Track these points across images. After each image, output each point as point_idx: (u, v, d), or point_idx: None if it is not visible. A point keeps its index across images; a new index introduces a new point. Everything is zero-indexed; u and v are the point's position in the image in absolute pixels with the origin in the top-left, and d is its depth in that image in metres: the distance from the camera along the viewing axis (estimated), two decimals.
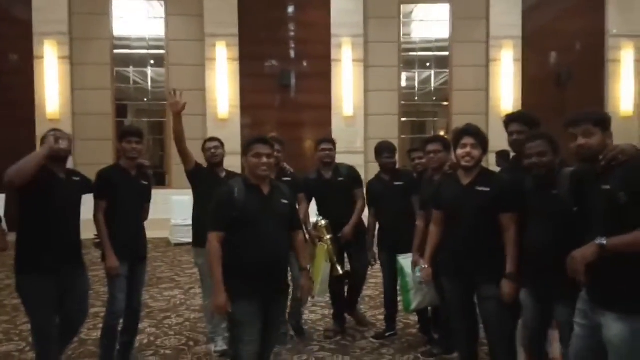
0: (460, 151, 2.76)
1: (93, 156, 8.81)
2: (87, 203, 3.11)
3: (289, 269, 2.82)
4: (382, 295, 4.05)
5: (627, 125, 9.52)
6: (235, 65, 9.78)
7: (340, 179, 4.01)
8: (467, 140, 2.74)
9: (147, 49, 10.14)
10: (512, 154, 3.25)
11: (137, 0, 10.05)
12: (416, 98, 10.63)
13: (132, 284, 3.28)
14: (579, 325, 2.20)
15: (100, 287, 5.32)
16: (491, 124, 9.46)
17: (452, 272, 2.85)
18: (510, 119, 2.96)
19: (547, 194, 2.46)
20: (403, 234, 3.61)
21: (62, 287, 2.85)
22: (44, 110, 9.36)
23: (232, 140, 9.49)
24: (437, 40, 10.49)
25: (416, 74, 10.60)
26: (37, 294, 2.78)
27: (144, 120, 10.35)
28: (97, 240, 3.20)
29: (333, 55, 9.87)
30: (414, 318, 4.26)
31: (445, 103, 10.43)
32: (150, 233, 3.49)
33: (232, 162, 8.82)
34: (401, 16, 10.28)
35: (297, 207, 3.25)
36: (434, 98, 10.64)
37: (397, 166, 4.10)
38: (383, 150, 3.90)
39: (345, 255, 4.01)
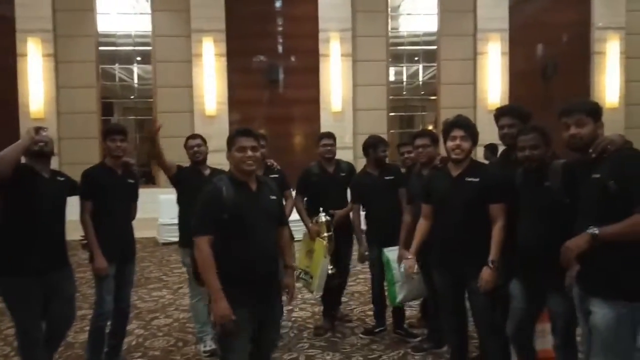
0: (450, 143, 2.76)
1: (79, 155, 8.69)
2: (73, 204, 3.05)
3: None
4: (370, 292, 4.05)
5: (613, 116, 9.59)
6: (223, 61, 9.70)
7: (342, 174, 4.04)
8: (457, 132, 2.74)
9: (133, 45, 10.03)
10: (500, 148, 3.27)
11: None
12: (404, 92, 10.64)
13: (120, 284, 3.25)
14: (579, 312, 2.26)
15: (87, 288, 5.26)
16: (479, 118, 9.50)
17: (442, 265, 2.85)
18: (501, 113, 2.98)
19: (539, 187, 2.48)
20: (394, 229, 3.62)
21: (48, 290, 2.80)
22: (27, 109, 9.22)
23: (221, 137, 9.25)
24: (424, 34, 10.50)
25: (404, 68, 10.61)
26: (21, 297, 2.73)
27: (131, 118, 10.26)
28: (84, 242, 3.15)
29: (321, 50, 9.83)
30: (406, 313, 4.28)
31: (434, 97, 10.44)
32: (138, 232, 3.45)
33: (221, 160, 8.82)
34: (389, 10, 10.26)
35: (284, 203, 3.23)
36: (422, 92, 10.65)
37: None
38: (379, 144, 3.87)
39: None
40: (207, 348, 3.55)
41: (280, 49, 10.26)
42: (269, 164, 3.90)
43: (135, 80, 10.13)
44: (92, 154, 9.11)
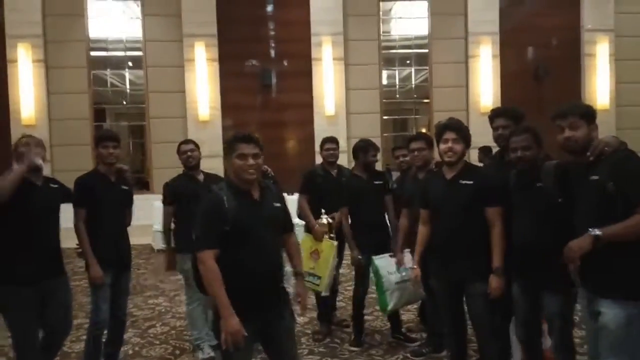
0: (442, 146, 2.76)
1: (71, 162, 8.62)
2: (68, 211, 3.03)
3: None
4: (369, 297, 4.04)
5: (604, 118, 9.67)
6: (215, 66, 9.68)
7: (344, 178, 4.04)
8: (449, 135, 2.74)
9: (125, 50, 9.99)
10: (495, 150, 3.28)
11: (113, 0, 9.87)
12: (397, 96, 10.68)
13: (117, 293, 3.22)
14: (584, 313, 2.29)
15: (83, 297, 5.21)
16: (471, 120, 9.56)
17: (440, 269, 2.85)
18: (495, 114, 3.00)
19: (531, 187, 2.50)
20: (383, 235, 3.63)
21: (43, 298, 2.79)
22: (18, 116, 9.14)
23: (214, 143, 9.41)
24: (416, 38, 10.55)
25: (397, 72, 10.65)
26: (18, 305, 2.71)
27: (124, 124, 10.20)
28: (80, 250, 3.12)
29: (313, 54, 9.85)
30: (404, 317, 4.28)
31: (426, 100, 10.49)
32: (133, 239, 3.42)
33: (214, 164, 8.80)
34: (380, 13, 10.31)
35: None
36: (415, 95, 10.70)
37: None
38: (369, 148, 3.85)
39: None
40: (205, 356, 3.52)
41: (272, 53, 10.27)
42: (263, 169, 3.89)
43: (127, 86, 10.08)
44: (85, 160, 9.02)
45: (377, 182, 3.83)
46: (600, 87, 10.20)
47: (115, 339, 3.32)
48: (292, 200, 4.08)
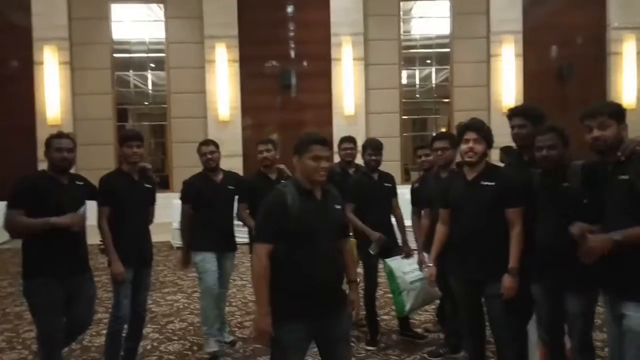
0: (463, 146, 2.74)
1: (94, 161, 8.80)
2: (91, 209, 3.10)
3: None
4: (385, 296, 4.02)
5: (630, 118, 9.12)
6: (236, 67, 9.77)
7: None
8: (470, 135, 2.71)
9: (147, 52, 10.15)
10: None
11: (136, 3, 10.05)
12: (417, 95, 10.61)
13: (137, 288, 3.27)
14: (607, 316, 2.27)
15: (104, 292, 5.30)
16: (493, 120, 9.41)
17: (458, 270, 2.82)
18: (513, 113, 2.96)
19: (558, 187, 2.46)
20: (388, 237, 3.64)
21: (69, 291, 2.87)
22: (44, 116, 9.38)
23: (234, 143, 9.50)
24: (437, 37, 10.46)
25: (417, 72, 10.57)
26: (44, 297, 2.80)
27: (145, 124, 10.37)
28: (102, 246, 3.19)
29: (333, 54, 9.85)
30: (418, 317, 4.24)
31: (447, 100, 10.39)
32: (153, 237, 3.48)
33: (234, 164, 8.89)
34: (401, 13, 10.26)
35: None
36: (435, 95, 10.61)
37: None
38: (367, 147, 3.85)
39: None
40: (210, 349, 3.56)
41: (292, 54, 10.30)
42: (280, 168, 3.90)
43: (150, 87, 10.25)
44: (108, 159, 9.24)
45: (386, 184, 3.81)
46: (626, 86, 9.94)
47: (134, 333, 3.38)
48: None
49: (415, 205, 3.76)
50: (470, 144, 2.69)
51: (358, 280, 3.92)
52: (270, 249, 2.15)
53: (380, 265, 3.84)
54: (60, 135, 2.97)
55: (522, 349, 2.77)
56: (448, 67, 10.33)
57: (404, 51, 10.31)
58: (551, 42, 10.35)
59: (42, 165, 3.06)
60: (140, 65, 10.16)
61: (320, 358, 2.36)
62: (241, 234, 4.10)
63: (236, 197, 3.83)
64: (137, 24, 10.08)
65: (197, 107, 9.79)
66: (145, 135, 9.48)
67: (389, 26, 10.15)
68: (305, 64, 10.28)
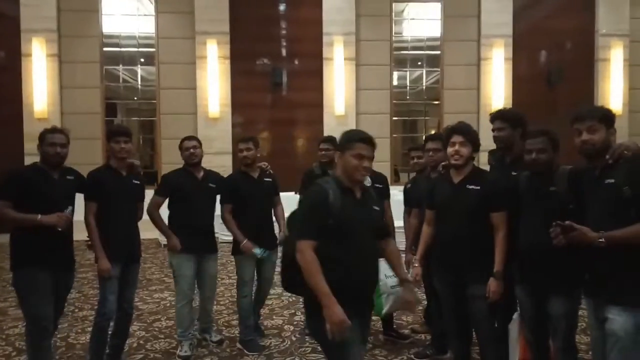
0: (449, 149, 2.77)
1: (82, 156, 8.62)
2: (79, 205, 3.09)
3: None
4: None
5: (617, 123, 9.45)
6: (226, 64, 9.72)
7: None
8: (456, 138, 2.75)
9: (137, 47, 10.05)
10: None
11: None
12: (408, 97, 10.65)
13: (124, 285, 3.26)
14: (591, 319, 2.31)
15: (89, 289, 5.26)
16: (482, 123, 9.46)
17: (443, 271, 2.85)
18: (493, 117, 3.07)
19: (545, 191, 2.49)
20: None
21: (55, 282, 2.90)
22: (31, 109, 9.24)
23: (223, 140, 9.45)
24: (428, 39, 10.51)
25: (408, 73, 10.61)
26: (33, 285, 2.81)
27: (134, 119, 10.27)
28: (89, 242, 3.17)
29: (325, 54, 9.85)
30: (406, 319, 4.27)
31: (437, 102, 10.45)
32: (140, 234, 3.45)
33: (224, 162, 8.85)
34: (393, 14, 10.28)
35: None
36: (425, 97, 10.66)
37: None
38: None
39: None
40: (183, 353, 3.53)
41: (284, 52, 10.28)
42: (263, 167, 3.89)
43: (139, 82, 10.15)
44: (95, 154, 9.14)
45: (377, 185, 3.82)
46: (613, 92, 10.08)
47: (121, 331, 3.35)
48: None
49: (407, 205, 3.78)
50: (457, 147, 2.73)
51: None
52: (315, 246, 2.10)
53: None
54: (54, 130, 2.99)
55: (504, 349, 2.80)
56: (438, 69, 10.39)
57: (395, 52, 10.34)
58: (541, 46, 10.47)
59: (29, 158, 3.05)
60: (130, 60, 10.06)
61: (324, 357, 2.35)
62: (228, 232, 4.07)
63: (218, 199, 3.76)
64: (127, 18, 9.96)
65: (187, 104, 9.72)
66: (134, 131, 9.43)
67: (380, 27, 10.18)
68: (296, 62, 10.26)
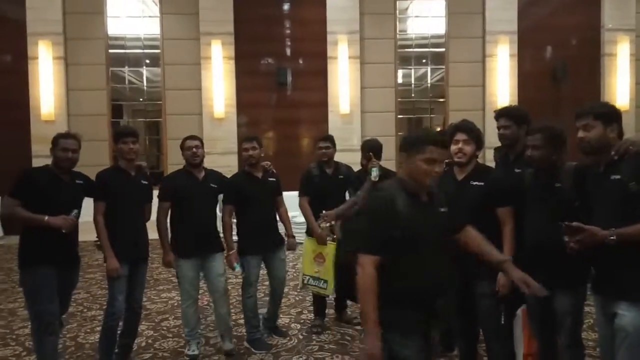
0: (453, 147, 2.77)
1: (89, 157, 8.57)
2: (88, 206, 3.14)
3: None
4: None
5: (623, 119, 9.45)
6: (231, 64, 9.74)
7: (341, 176, 4.07)
8: (460, 136, 2.75)
9: (143, 48, 10.09)
10: None
11: None
12: (413, 95, 10.62)
13: (133, 285, 3.29)
14: (598, 315, 2.30)
15: (98, 289, 5.30)
16: (488, 120, 9.45)
17: None
18: (498, 114, 3.10)
19: (549, 187, 2.49)
20: None
21: (60, 279, 2.96)
22: (38, 111, 9.30)
23: (229, 140, 9.48)
24: (433, 37, 10.47)
25: (412, 71, 10.58)
26: (39, 282, 2.87)
27: (140, 120, 10.32)
28: (99, 243, 3.21)
29: (329, 53, 9.84)
30: None
31: (442, 99, 10.42)
32: (148, 234, 3.48)
33: (229, 162, 8.88)
34: (397, 12, 10.25)
35: None
36: (431, 94, 10.62)
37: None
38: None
39: None
40: (191, 352, 3.55)
41: (288, 51, 10.28)
42: (266, 166, 3.90)
43: (145, 83, 10.19)
44: (102, 156, 9.19)
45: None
46: (620, 87, 10.00)
47: (130, 330, 3.39)
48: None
49: None
50: (460, 145, 2.73)
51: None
52: (377, 261, 1.95)
53: None
54: (67, 135, 3.08)
55: (510, 345, 2.80)
56: (443, 66, 10.36)
57: (399, 50, 10.32)
58: (546, 42, 10.39)
59: (36, 160, 3.10)
60: (135, 61, 10.09)
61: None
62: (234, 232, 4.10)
63: (220, 198, 3.74)
64: (132, 20, 10.01)
65: (192, 104, 9.75)
66: (140, 132, 9.45)
67: (384, 25, 10.15)
68: (301, 61, 10.26)
